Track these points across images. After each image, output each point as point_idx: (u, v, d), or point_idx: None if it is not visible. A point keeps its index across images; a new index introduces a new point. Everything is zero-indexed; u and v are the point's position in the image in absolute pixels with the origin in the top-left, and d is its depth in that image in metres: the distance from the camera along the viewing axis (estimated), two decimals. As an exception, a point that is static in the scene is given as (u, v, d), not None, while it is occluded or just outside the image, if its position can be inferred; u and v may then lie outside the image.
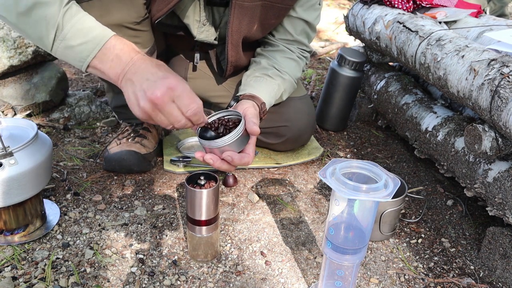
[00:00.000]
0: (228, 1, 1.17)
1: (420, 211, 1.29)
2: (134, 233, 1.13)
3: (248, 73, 1.27)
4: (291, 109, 1.41)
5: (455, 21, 1.40)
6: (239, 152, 0.94)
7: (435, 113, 1.38)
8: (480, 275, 1.06)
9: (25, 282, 0.96)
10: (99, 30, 0.89)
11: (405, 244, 1.16)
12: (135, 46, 0.91)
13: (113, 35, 0.90)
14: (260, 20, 1.22)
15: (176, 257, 1.06)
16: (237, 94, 1.17)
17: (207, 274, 1.01)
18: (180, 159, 1.42)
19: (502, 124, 0.95)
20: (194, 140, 1.56)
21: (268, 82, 1.22)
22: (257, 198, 1.29)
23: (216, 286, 0.98)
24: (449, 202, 1.33)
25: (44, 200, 1.18)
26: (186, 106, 0.84)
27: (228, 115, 0.98)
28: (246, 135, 0.95)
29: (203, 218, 0.98)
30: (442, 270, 1.07)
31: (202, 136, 0.95)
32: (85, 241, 1.09)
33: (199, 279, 1.00)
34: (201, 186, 0.97)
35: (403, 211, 1.28)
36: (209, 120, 0.97)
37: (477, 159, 1.13)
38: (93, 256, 1.04)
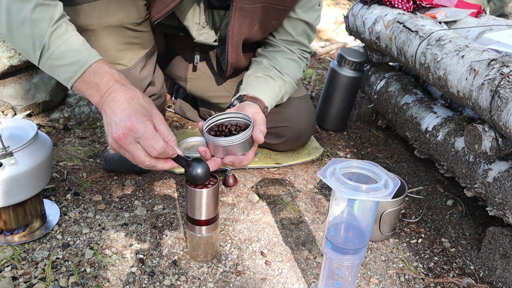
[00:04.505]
0: (228, 4, 1.17)
1: (420, 211, 1.29)
2: (134, 233, 1.13)
3: (249, 72, 1.27)
4: (291, 109, 1.41)
5: (455, 21, 1.40)
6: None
7: (435, 113, 1.38)
8: (480, 275, 1.06)
9: (25, 282, 0.96)
10: (83, 54, 0.88)
11: (405, 244, 1.16)
12: (116, 72, 0.89)
13: (96, 61, 0.88)
14: (260, 22, 1.22)
15: (176, 257, 1.06)
16: (240, 94, 1.17)
17: (207, 274, 1.01)
18: (180, 159, 1.42)
19: (502, 124, 0.95)
20: (194, 140, 1.56)
21: (270, 84, 1.22)
22: (257, 198, 1.29)
23: (216, 286, 0.98)
24: (449, 202, 1.33)
25: (44, 200, 1.18)
26: (150, 147, 0.82)
27: (237, 118, 0.98)
28: (251, 140, 0.95)
29: (203, 218, 0.98)
30: (442, 270, 1.07)
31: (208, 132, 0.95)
32: (85, 241, 1.09)
33: (199, 279, 1.00)
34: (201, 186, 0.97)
35: (403, 211, 1.28)
36: (219, 118, 0.97)
37: (477, 159, 1.13)
38: (93, 256, 1.04)
